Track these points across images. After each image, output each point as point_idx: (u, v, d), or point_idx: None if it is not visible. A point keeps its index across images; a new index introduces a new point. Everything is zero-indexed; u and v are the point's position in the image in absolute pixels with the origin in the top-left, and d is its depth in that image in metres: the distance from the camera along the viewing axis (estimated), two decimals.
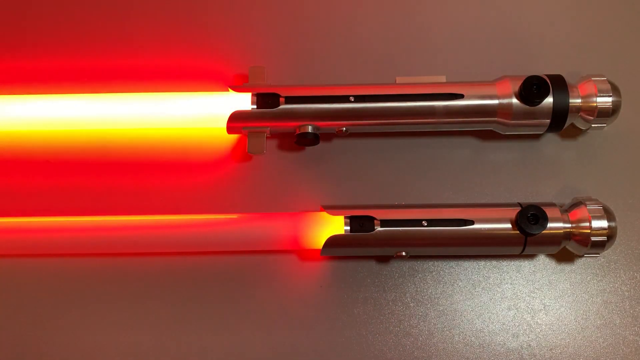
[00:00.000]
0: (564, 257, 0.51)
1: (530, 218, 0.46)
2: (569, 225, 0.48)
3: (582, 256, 0.49)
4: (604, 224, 0.47)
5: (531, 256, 0.51)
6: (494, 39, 0.56)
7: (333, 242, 0.47)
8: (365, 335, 0.49)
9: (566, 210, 0.48)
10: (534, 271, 0.51)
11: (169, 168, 0.53)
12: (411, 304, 0.50)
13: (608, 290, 0.51)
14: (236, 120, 0.50)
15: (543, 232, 0.47)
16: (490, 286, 0.50)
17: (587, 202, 0.48)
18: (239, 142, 0.53)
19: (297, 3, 0.57)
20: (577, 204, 0.48)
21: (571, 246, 0.48)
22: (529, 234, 0.47)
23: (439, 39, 0.56)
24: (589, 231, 0.47)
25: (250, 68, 0.52)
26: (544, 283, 0.51)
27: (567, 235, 0.48)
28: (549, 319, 0.50)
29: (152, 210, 0.51)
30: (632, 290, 0.50)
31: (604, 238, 0.47)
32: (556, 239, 0.47)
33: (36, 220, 0.49)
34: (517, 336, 0.49)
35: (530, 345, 0.49)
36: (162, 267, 0.50)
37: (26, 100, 0.51)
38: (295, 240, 0.48)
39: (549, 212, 0.47)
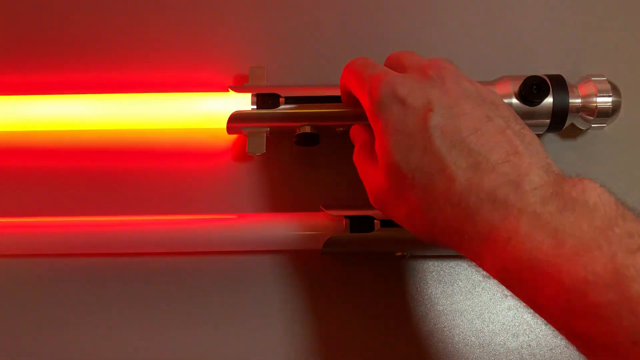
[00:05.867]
0: None
1: None
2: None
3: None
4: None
5: None
6: (494, 39, 0.56)
7: (333, 242, 0.47)
8: (366, 335, 0.49)
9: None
10: None
11: (169, 168, 0.53)
12: (411, 304, 0.50)
13: None
14: (236, 120, 0.50)
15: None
16: (490, 286, 0.50)
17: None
18: (239, 142, 0.53)
19: (297, 3, 0.57)
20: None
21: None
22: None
23: (439, 40, 0.56)
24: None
25: (250, 68, 0.52)
26: None
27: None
28: None
29: (152, 210, 0.51)
30: None
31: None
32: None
33: (36, 220, 0.49)
34: (517, 336, 0.49)
35: (530, 345, 0.49)
36: (162, 267, 0.50)
37: (26, 100, 0.51)
38: (295, 240, 0.48)
39: None
